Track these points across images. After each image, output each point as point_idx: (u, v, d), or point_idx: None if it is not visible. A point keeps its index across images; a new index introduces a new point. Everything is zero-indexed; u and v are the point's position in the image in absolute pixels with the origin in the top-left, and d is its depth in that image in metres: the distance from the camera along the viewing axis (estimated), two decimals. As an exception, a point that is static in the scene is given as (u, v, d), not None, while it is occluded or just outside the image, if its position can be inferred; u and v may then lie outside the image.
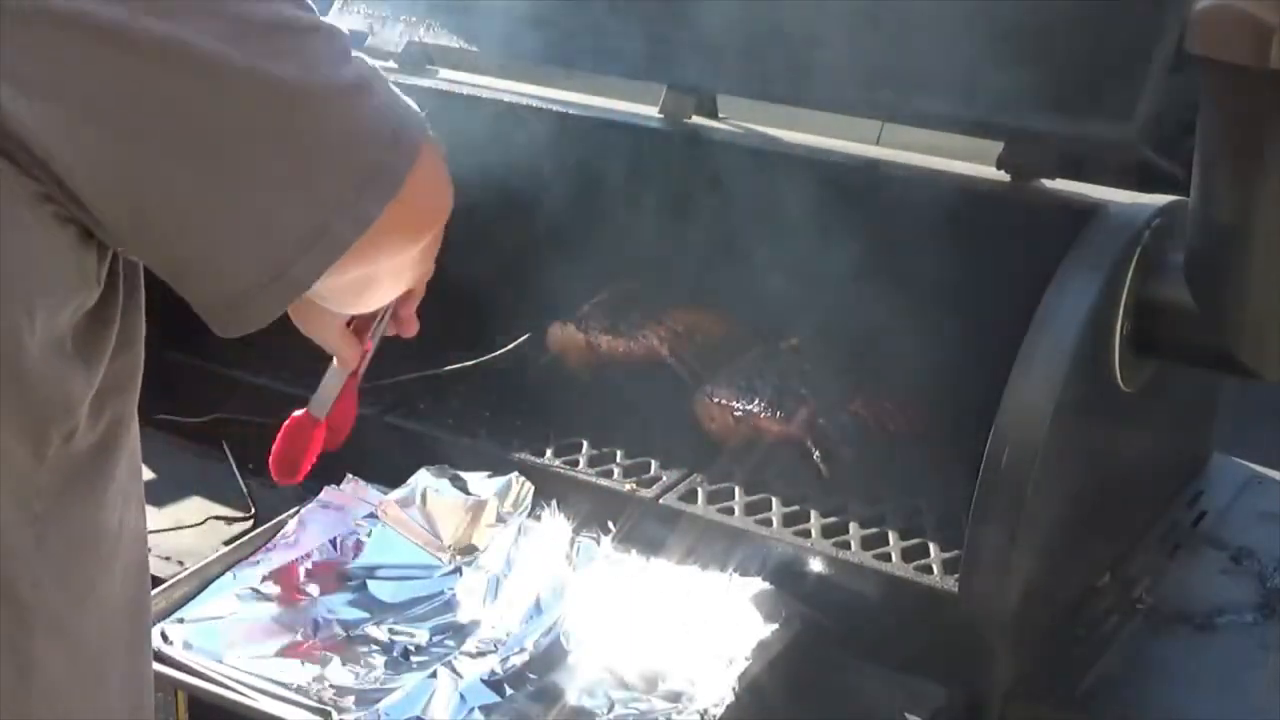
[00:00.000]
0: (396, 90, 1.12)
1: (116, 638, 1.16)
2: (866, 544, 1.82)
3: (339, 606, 1.76)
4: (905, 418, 2.05)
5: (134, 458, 1.16)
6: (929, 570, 1.77)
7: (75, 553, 1.09)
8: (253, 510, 2.02)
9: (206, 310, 1.06)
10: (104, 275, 1.03)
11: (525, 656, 1.64)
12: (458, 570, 1.82)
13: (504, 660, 1.64)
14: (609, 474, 1.97)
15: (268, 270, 1.04)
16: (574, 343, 2.16)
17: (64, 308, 1.01)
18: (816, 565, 1.79)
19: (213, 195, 1.02)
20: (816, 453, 1.96)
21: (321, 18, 1.09)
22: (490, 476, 1.89)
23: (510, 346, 2.20)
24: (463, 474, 1.90)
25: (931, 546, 1.81)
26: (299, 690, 1.60)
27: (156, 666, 1.63)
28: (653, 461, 2.00)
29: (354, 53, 1.10)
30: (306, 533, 1.85)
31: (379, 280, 1.29)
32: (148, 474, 2.02)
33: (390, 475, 1.92)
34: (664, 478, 1.97)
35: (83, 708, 1.11)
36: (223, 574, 1.79)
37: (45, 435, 1.02)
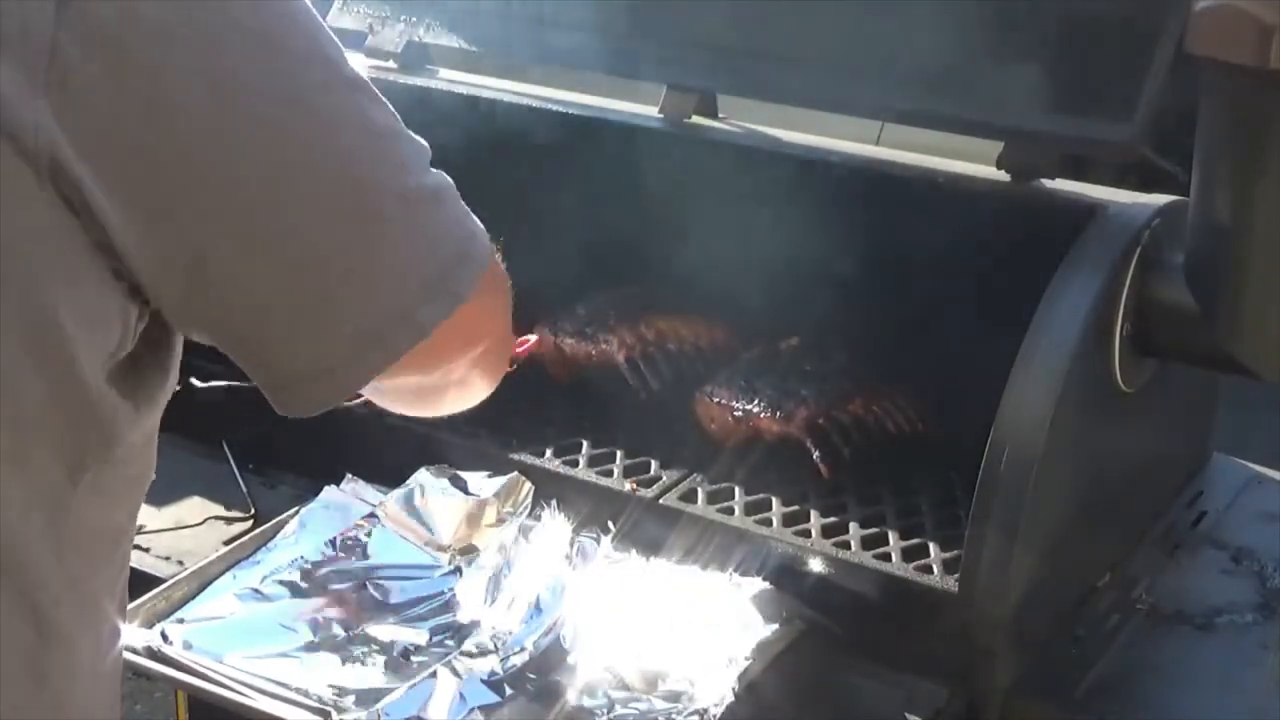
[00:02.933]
0: (465, 207, 1.13)
1: (105, 636, 1.16)
2: (866, 544, 1.82)
3: (339, 607, 1.76)
4: (905, 418, 2.05)
5: (146, 473, 1.18)
6: (929, 570, 1.77)
7: (89, 570, 1.11)
8: (253, 510, 2.02)
9: (261, 386, 1.09)
10: (140, 328, 1.04)
11: (525, 656, 1.64)
12: (458, 570, 1.82)
13: (504, 660, 1.64)
14: (609, 474, 1.97)
15: (317, 364, 1.06)
16: (546, 345, 2.16)
17: (108, 351, 1.02)
18: (816, 565, 1.79)
19: (278, 281, 1.03)
20: (816, 453, 1.96)
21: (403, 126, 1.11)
22: (490, 476, 1.89)
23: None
24: (463, 474, 1.90)
25: (931, 546, 1.81)
26: (299, 690, 1.60)
27: (157, 666, 1.63)
28: (653, 461, 2.00)
29: (431, 167, 1.12)
30: (306, 533, 1.85)
31: (435, 390, 1.28)
32: (148, 474, 2.03)
33: (390, 475, 1.92)
34: (664, 478, 1.97)
35: (74, 708, 1.12)
36: (223, 574, 1.79)
37: (81, 462, 1.04)
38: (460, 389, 1.30)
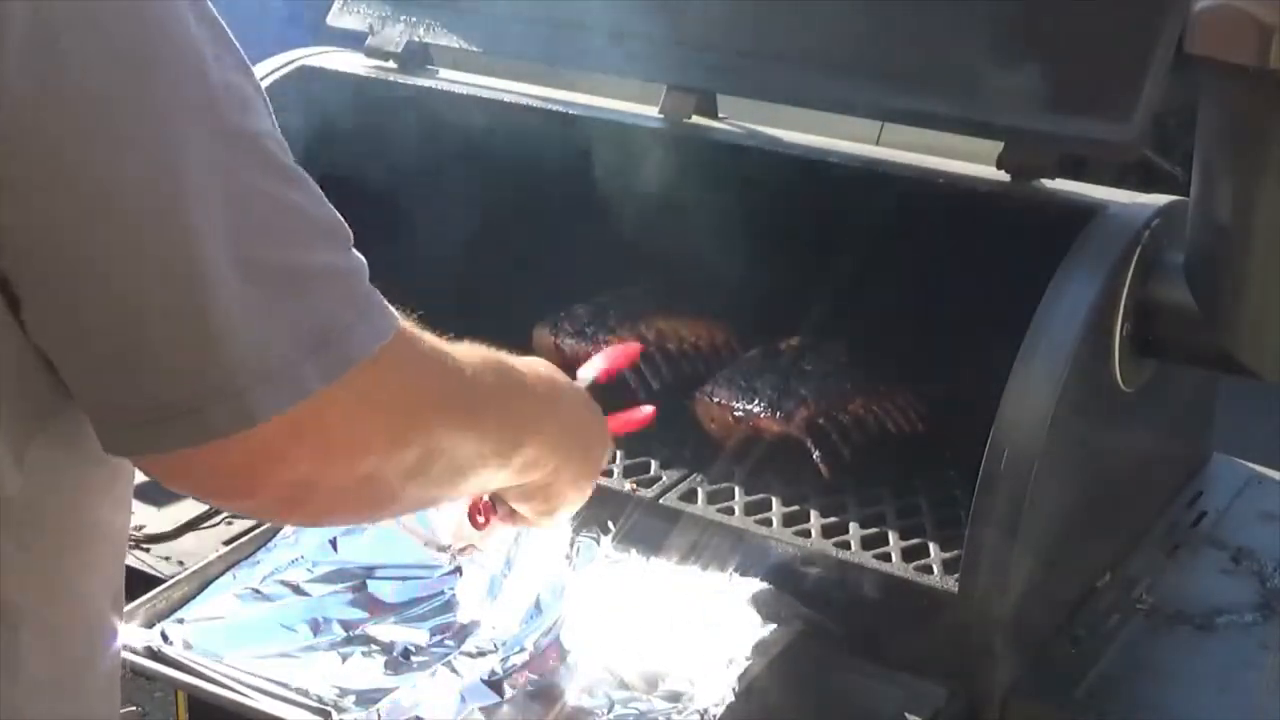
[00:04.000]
0: (366, 293, 1.08)
1: (100, 635, 1.16)
2: (866, 544, 1.82)
3: (339, 606, 1.76)
4: (905, 418, 2.05)
5: (123, 523, 1.18)
6: (929, 570, 1.77)
7: (60, 553, 1.10)
8: None
9: (105, 416, 1.02)
10: None
11: (525, 656, 1.64)
12: (458, 570, 1.82)
13: (504, 660, 1.64)
14: (609, 474, 1.97)
15: (123, 416, 1.01)
16: (546, 345, 2.16)
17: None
18: (816, 565, 1.79)
19: (93, 314, 0.98)
20: (816, 453, 1.96)
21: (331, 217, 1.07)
22: None
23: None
24: None
25: (931, 546, 1.81)
26: (299, 690, 1.60)
27: (157, 666, 1.63)
28: (653, 461, 2.00)
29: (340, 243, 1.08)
30: (306, 532, 1.85)
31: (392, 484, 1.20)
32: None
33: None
34: (664, 478, 1.97)
35: (67, 706, 1.12)
36: (223, 574, 1.79)
37: (23, 443, 1.04)
38: (391, 499, 1.22)
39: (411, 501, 1.32)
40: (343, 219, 1.08)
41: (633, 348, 1.92)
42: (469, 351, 1.29)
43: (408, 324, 1.15)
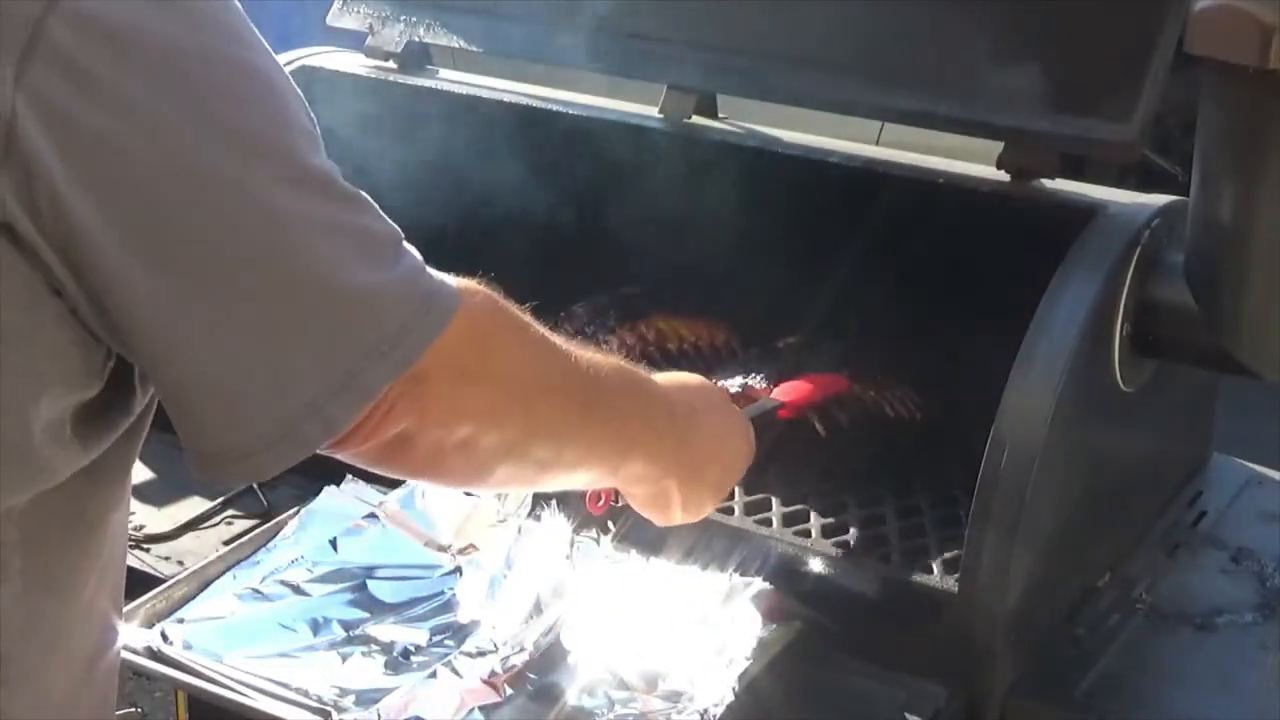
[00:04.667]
0: (420, 289, 1.14)
1: (84, 686, 1.16)
2: (866, 544, 1.82)
3: (339, 606, 1.76)
4: (903, 405, 2.04)
5: (121, 521, 1.20)
6: (929, 570, 1.77)
7: (49, 605, 1.11)
8: (266, 506, 2.01)
9: (202, 452, 1.08)
10: (108, 370, 1.06)
11: (525, 656, 1.64)
12: (458, 570, 1.82)
13: (504, 660, 1.64)
14: (609, 474, 1.96)
15: (229, 448, 1.07)
16: None
17: (66, 397, 1.04)
18: (816, 565, 1.79)
19: (191, 357, 1.04)
20: (815, 420, 1.95)
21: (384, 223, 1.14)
22: None
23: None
24: None
25: (931, 546, 1.81)
26: (299, 690, 1.60)
27: (156, 666, 1.63)
28: (653, 461, 1.99)
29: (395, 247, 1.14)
30: (306, 533, 1.85)
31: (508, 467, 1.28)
32: (148, 474, 2.02)
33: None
34: (664, 478, 1.96)
35: (60, 709, 1.12)
36: (223, 574, 1.79)
37: (14, 498, 1.06)
38: (486, 463, 1.28)
39: (509, 478, 1.35)
40: (389, 222, 1.16)
41: (836, 381, 1.94)
42: (600, 356, 1.36)
43: (499, 305, 1.24)
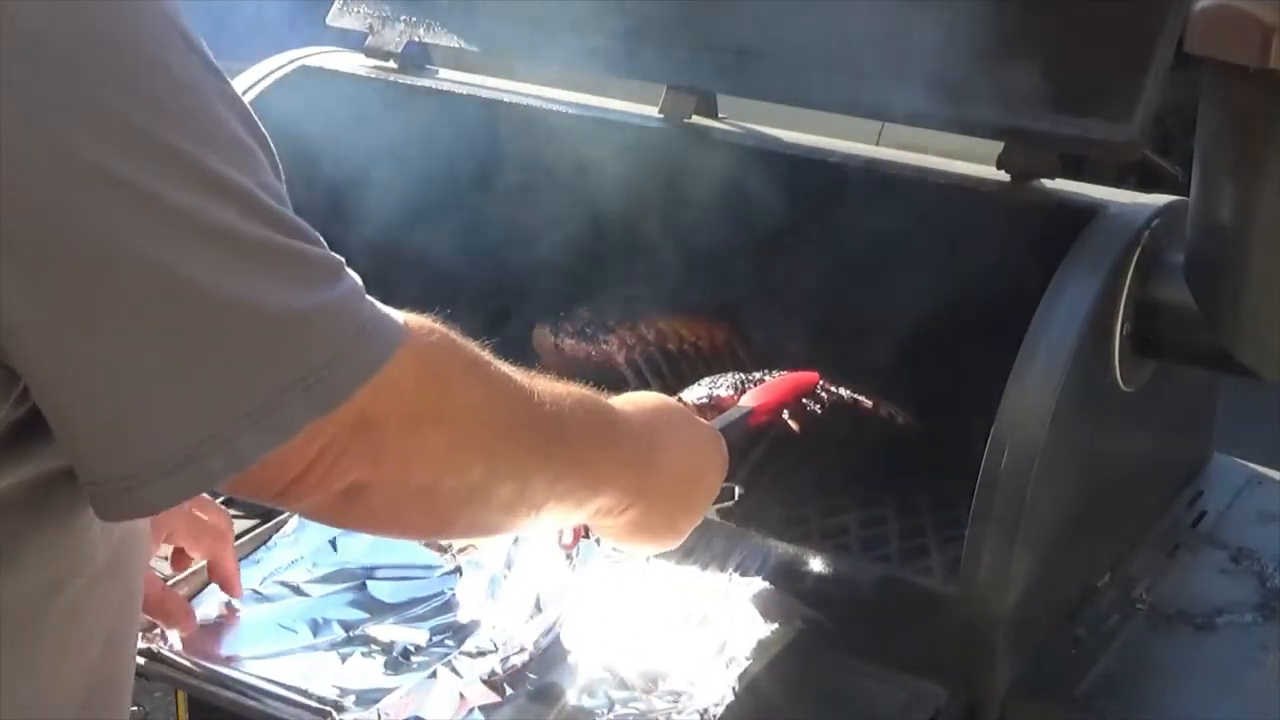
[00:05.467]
0: (359, 321, 1.04)
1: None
2: (866, 544, 1.82)
3: (339, 607, 1.76)
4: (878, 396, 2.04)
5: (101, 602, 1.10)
6: (929, 570, 1.77)
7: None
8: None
9: (91, 485, 0.98)
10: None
11: (525, 656, 1.64)
12: (457, 570, 1.82)
13: (504, 660, 1.64)
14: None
15: (116, 478, 0.97)
16: (546, 345, 2.16)
17: None
18: (816, 565, 1.79)
19: (78, 380, 0.95)
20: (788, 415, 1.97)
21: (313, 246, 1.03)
22: None
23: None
24: None
25: (931, 546, 1.81)
26: (299, 690, 1.60)
27: (157, 666, 1.63)
28: (653, 461, 1.99)
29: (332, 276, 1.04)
30: (306, 532, 1.85)
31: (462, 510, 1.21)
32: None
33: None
34: (664, 478, 1.96)
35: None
36: (223, 574, 1.78)
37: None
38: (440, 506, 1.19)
39: (472, 525, 1.29)
40: (326, 249, 1.05)
41: (806, 378, 1.87)
42: (561, 387, 1.28)
43: (456, 343, 1.15)
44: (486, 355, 1.20)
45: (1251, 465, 2.22)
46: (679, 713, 1.58)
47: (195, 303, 0.96)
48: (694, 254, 2.19)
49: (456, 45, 2.34)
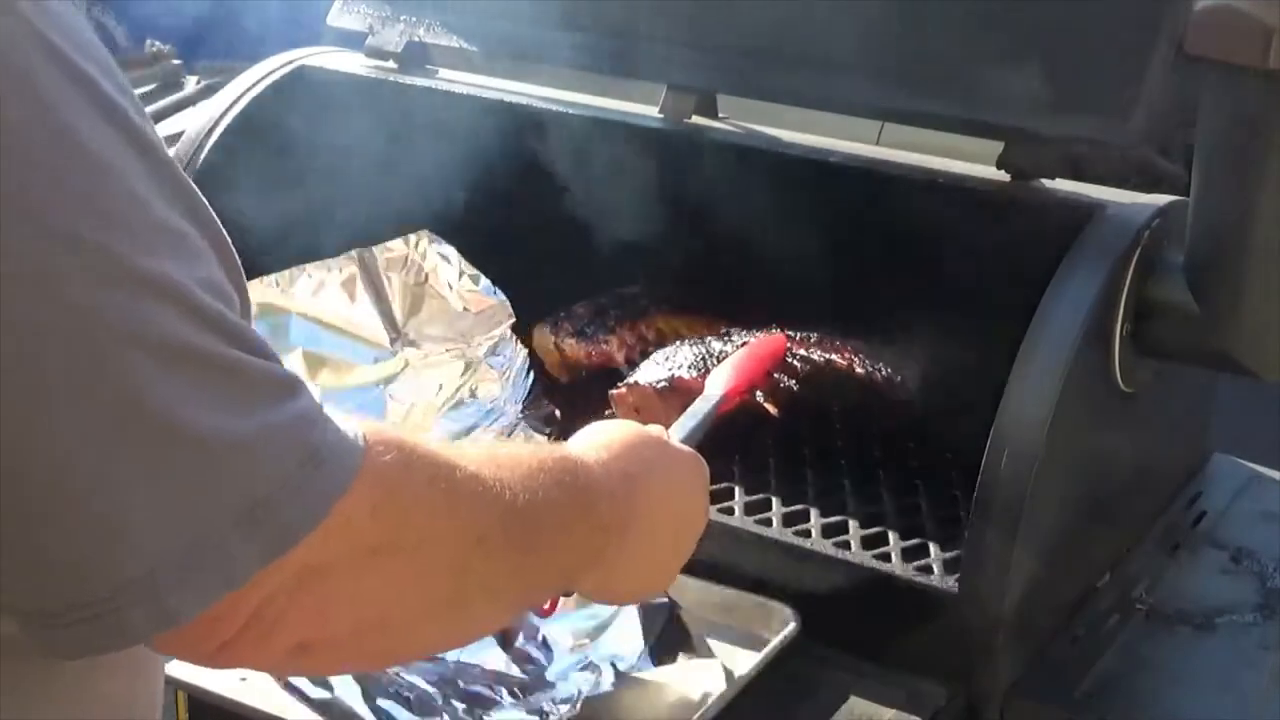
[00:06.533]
0: (314, 445, 0.90)
1: None
2: (866, 544, 1.82)
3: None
4: (847, 354, 2.02)
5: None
6: (929, 570, 1.77)
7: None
8: None
9: (34, 614, 0.86)
10: None
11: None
12: None
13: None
14: (609, 474, 1.96)
15: (33, 618, 0.86)
16: (545, 345, 2.16)
17: None
18: (816, 565, 1.79)
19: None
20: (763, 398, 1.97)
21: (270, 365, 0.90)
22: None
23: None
24: None
25: (931, 546, 1.81)
26: (299, 690, 1.59)
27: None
28: (653, 461, 1.99)
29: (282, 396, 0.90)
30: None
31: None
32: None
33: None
34: (664, 478, 1.96)
35: None
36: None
37: None
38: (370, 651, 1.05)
39: (441, 642, 1.18)
40: (274, 361, 0.92)
41: (773, 346, 1.69)
42: (533, 461, 1.13)
43: (413, 455, 0.99)
44: (451, 454, 1.04)
45: (1251, 465, 2.22)
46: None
47: (105, 417, 0.82)
48: (694, 254, 2.19)
49: (456, 45, 2.34)
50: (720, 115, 2.24)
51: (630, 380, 1.64)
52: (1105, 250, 1.75)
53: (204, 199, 0.91)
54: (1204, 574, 1.95)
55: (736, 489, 1.94)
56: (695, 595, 1.74)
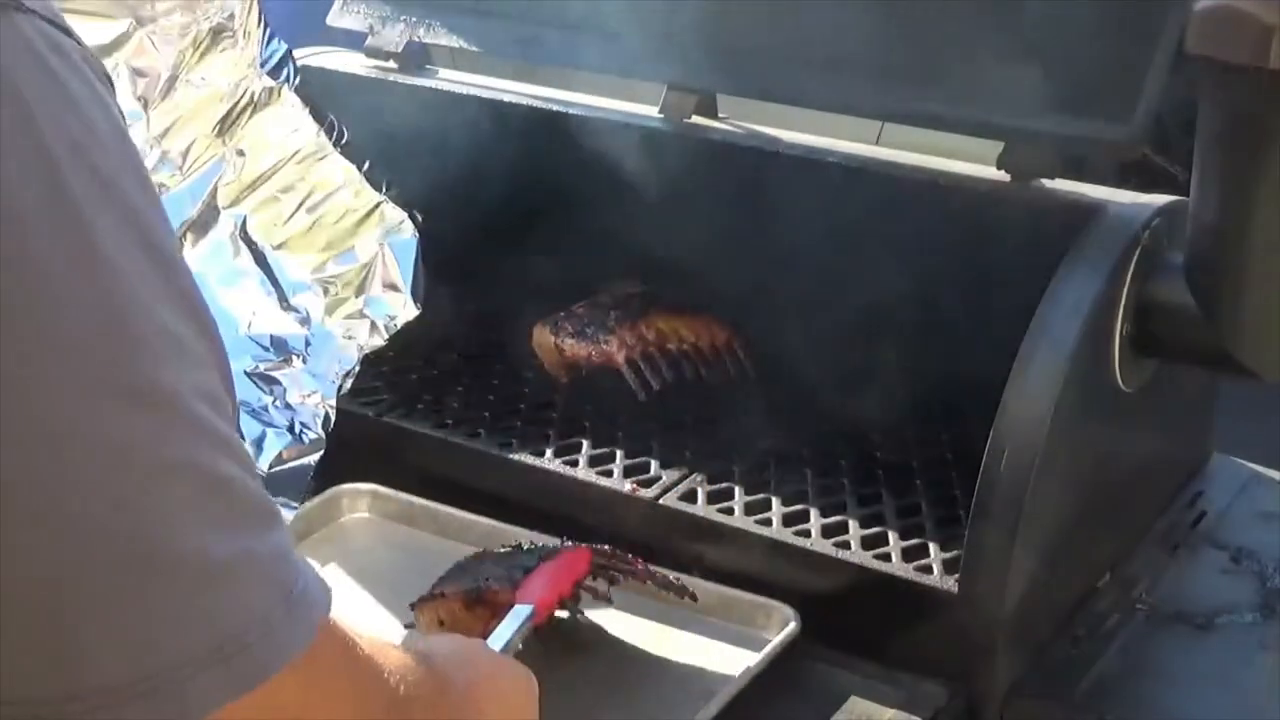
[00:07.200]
0: (285, 582, 0.85)
1: None
2: (866, 544, 1.82)
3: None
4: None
5: None
6: (929, 570, 1.77)
7: None
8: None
9: None
10: None
11: None
12: None
13: None
14: (609, 474, 1.97)
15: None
16: (546, 344, 2.17)
17: None
18: (816, 565, 1.79)
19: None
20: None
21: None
22: None
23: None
24: None
25: (931, 546, 1.81)
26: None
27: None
28: (653, 462, 2.00)
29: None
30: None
31: None
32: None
33: (389, 476, 1.92)
34: (664, 478, 1.96)
35: None
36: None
37: None
38: None
39: None
40: (260, 487, 0.87)
41: (577, 563, 1.68)
42: (392, 648, 1.06)
43: (340, 619, 0.93)
44: (350, 624, 0.97)
45: (1251, 465, 2.22)
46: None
47: (69, 530, 0.77)
48: (694, 253, 2.19)
49: (456, 45, 2.34)
50: (720, 115, 2.24)
51: (435, 591, 1.63)
52: (1105, 250, 1.74)
53: (204, 300, 0.87)
54: (1204, 574, 1.95)
55: (736, 489, 1.94)
56: (697, 593, 1.75)
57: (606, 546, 1.71)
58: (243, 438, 0.90)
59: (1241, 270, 1.70)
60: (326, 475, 1.87)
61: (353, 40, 2.43)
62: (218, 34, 1.80)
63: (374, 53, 2.38)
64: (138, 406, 0.79)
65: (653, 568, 1.72)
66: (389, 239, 1.78)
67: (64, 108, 0.80)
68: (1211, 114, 1.63)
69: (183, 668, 0.79)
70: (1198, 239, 1.73)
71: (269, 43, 1.80)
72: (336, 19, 2.43)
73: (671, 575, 1.72)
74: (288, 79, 1.80)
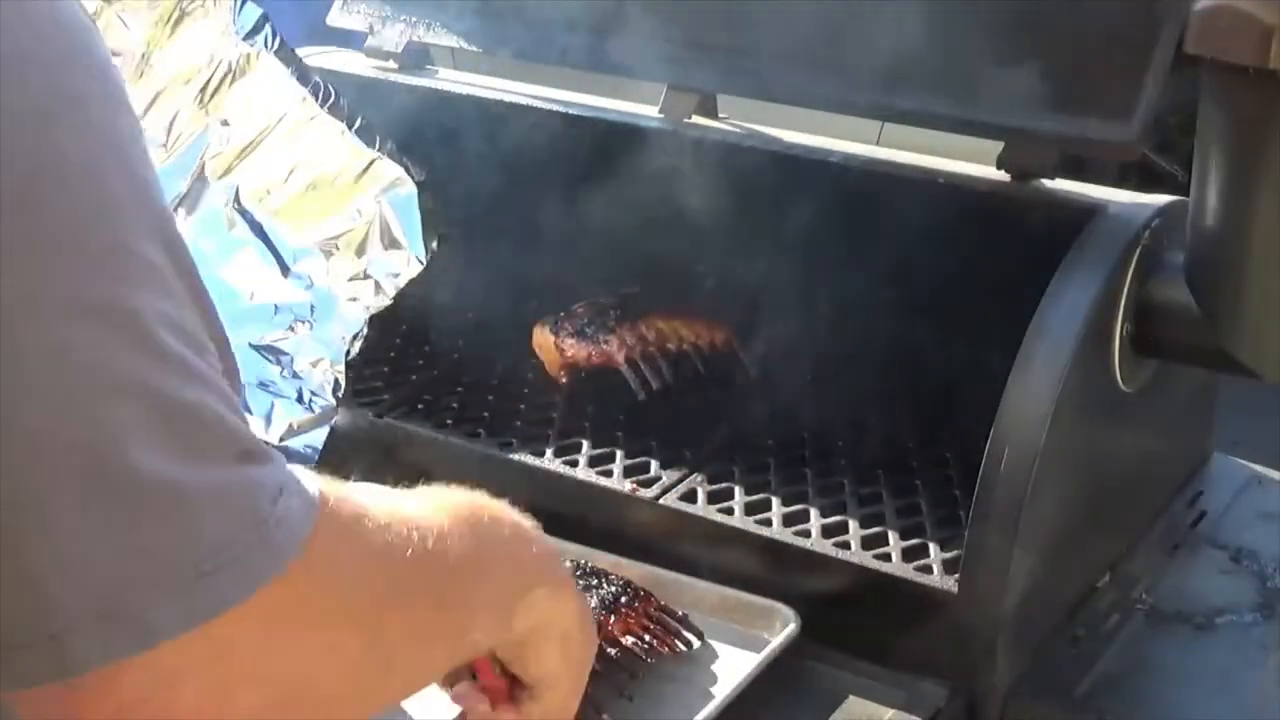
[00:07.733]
0: (256, 507, 0.84)
1: None
2: (866, 544, 1.82)
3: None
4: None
5: None
6: (929, 570, 1.77)
7: None
8: None
9: None
10: None
11: None
12: None
13: None
14: (609, 474, 1.97)
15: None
16: (546, 344, 2.17)
17: None
18: (816, 565, 1.79)
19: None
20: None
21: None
22: None
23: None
24: None
25: (931, 546, 1.81)
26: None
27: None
28: (653, 462, 2.00)
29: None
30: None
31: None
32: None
33: (389, 476, 1.92)
34: (664, 478, 1.96)
35: None
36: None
37: None
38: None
39: (375, 703, 1.01)
40: (241, 423, 0.85)
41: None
42: (444, 509, 1.06)
43: (345, 522, 0.93)
44: (372, 500, 0.98)
45: (1251, 465, 2.22)
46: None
47: (15, 439, 0.76)
48: (694, 253, 2.19)
49: (456, 45, 2.34)
50: (720, 115, 2.24)
51: None
52: (1105, 250, 1.75)
53: (185, 245, 0.85)
54: (1204, 574, 1.95)
55: (736, 489, 1.94)
56: (695, 595, 1.75)
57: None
58: (249, 410, 0.90)
59: (1241, 270, 1.70)
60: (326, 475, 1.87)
61: (353, 40, 2.43)
62: (186, 4, 1.79)
63: (374, 53, 2.38)
64: (89, 320, 0.77)
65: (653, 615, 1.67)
66: (387, 195, 1.76)
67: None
68: (1211, 114, 1.63)
69: (141, 592, 0.78)
70: (1198, 239, 1.73)
71: (242, 7, 1.79)
72: (336, 19, 2.43)
73: (671, 621, 1.69)
74: (266, 42, 1.79)
